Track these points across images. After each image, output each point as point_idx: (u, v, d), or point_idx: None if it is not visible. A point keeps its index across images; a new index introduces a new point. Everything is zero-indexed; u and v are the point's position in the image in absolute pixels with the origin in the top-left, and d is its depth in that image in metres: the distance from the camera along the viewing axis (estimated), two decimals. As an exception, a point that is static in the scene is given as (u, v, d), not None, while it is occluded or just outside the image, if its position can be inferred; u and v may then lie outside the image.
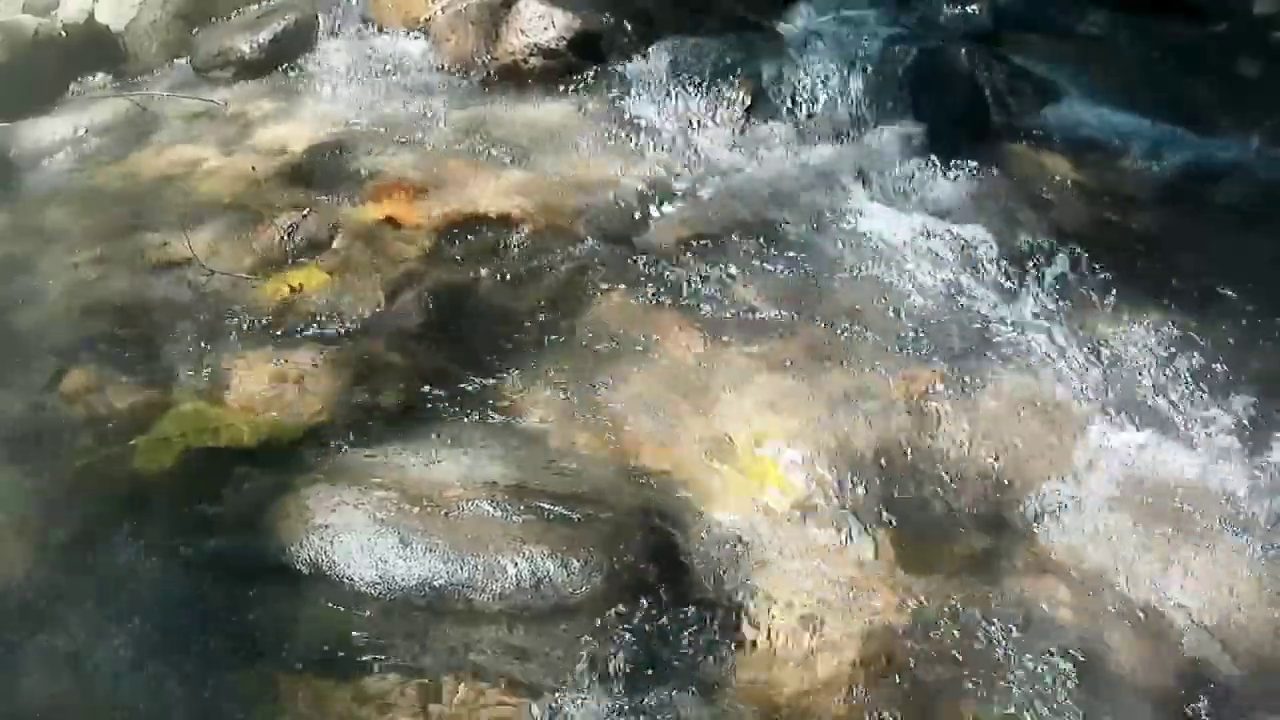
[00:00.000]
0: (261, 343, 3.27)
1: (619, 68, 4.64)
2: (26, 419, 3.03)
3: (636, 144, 4.25)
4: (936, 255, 3.66)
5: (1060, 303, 3.45)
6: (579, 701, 2.34)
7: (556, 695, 2.35)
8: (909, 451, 2.92)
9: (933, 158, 4.17)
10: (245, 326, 3.34)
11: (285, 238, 3.70)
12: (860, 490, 2.81)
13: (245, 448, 2.92)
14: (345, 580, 2.54)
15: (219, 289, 3.49)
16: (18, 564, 2.62)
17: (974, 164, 4.14)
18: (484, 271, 3.56)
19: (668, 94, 4.46)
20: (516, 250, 3.66)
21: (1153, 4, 5.45)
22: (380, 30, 5.06)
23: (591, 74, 4.64)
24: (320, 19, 5.09)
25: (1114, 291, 3.49)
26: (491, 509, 2.64)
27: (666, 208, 3.89)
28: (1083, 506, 2.79)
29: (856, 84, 4.38)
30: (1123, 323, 3.36)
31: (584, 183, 3.99)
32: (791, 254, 3.64)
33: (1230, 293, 3.49)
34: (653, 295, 3.46)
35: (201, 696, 2.37)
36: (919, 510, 2.79)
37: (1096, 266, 3.61)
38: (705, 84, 4.44)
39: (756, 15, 4.93)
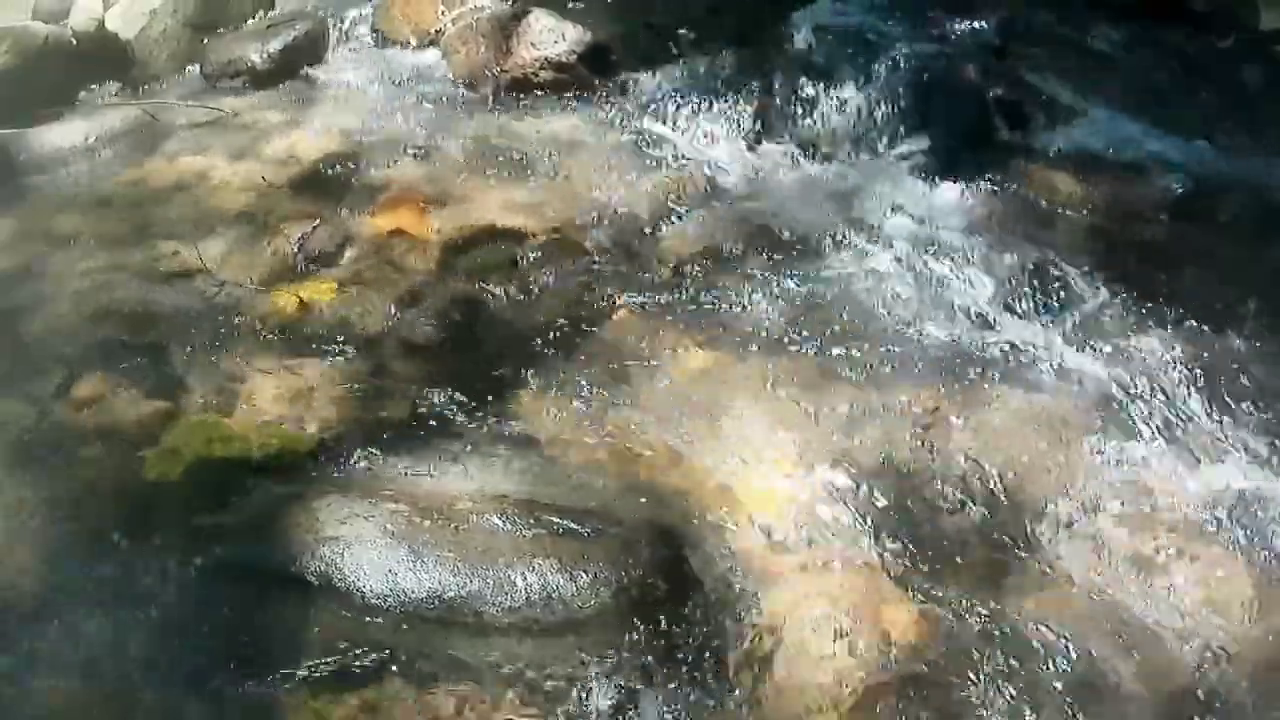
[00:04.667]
0: (271, 354, 3.28)
1: (629, 82, 4.66)
2: (36, 427, 3.03)
3: (646, 158, 4.26)
4: (943, 271, 3.66)
5: (1066, 318, 3.46)
6: (587, 715, 2.34)
7: (565, 709, 2.35)
8: (916, 468, 2.92)
9: (940, 173, 4.19)
10: (255, 337, 3.35)
11: (295, 249, 3.70)
12: (867, 506, 2.82)
13: (255, 459, 2.93)
14: (355, 592, 2.54)
15: (229, 299, 3.50)
16: (27, 572, 2.63)
17: (981, 179, 4.15)
18: (494, 285, 3.57)
19: (677, 108, 4.48)
20: (526, 264, 3.67)
21: (1160, 17, 5.45)
22: (390, 42, 5.07)
23: (602, 88, 4.65)
24: (330, 30, 5.11)
25: (1120, 307, 3.50)
26: (501, 522, 2.65)
27: (676, 222, 3.90)
28: (1089, 522, 2.79)
29: (864, 99, 4.40)
30: (1129, 338, 3.36)
31: (594, 197, 4.00)
32: (799, 270, 3.66)
33: (1237, 307, 3.49)
34: (662, 310, 3.47)
35: (210, 707, 2.37)
36: (926, 526, 2.79)
37: (1103, 282, 3.61)
38: (714, 98, 4.46)
39: (765, 30, 4.95)
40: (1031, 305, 3.51)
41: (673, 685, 2.41)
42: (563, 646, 2.47)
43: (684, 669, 2.43)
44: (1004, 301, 3.53)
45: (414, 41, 5.04)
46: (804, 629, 2.52)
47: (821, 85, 4.45)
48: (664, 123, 4.46)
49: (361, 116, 4.58)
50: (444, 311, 3.45)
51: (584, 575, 2.54)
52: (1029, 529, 2.79)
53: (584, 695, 2.38)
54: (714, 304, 3.51)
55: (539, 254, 3.70)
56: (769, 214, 3.95)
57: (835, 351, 3.29)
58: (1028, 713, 2.37)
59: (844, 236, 3.82)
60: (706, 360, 3.27)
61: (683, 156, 4.29)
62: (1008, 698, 2.40)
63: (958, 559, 2.71)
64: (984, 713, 2.38)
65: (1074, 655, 2.49)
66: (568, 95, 4.66)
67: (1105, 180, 4.22)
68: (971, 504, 2.84)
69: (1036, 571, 2.69)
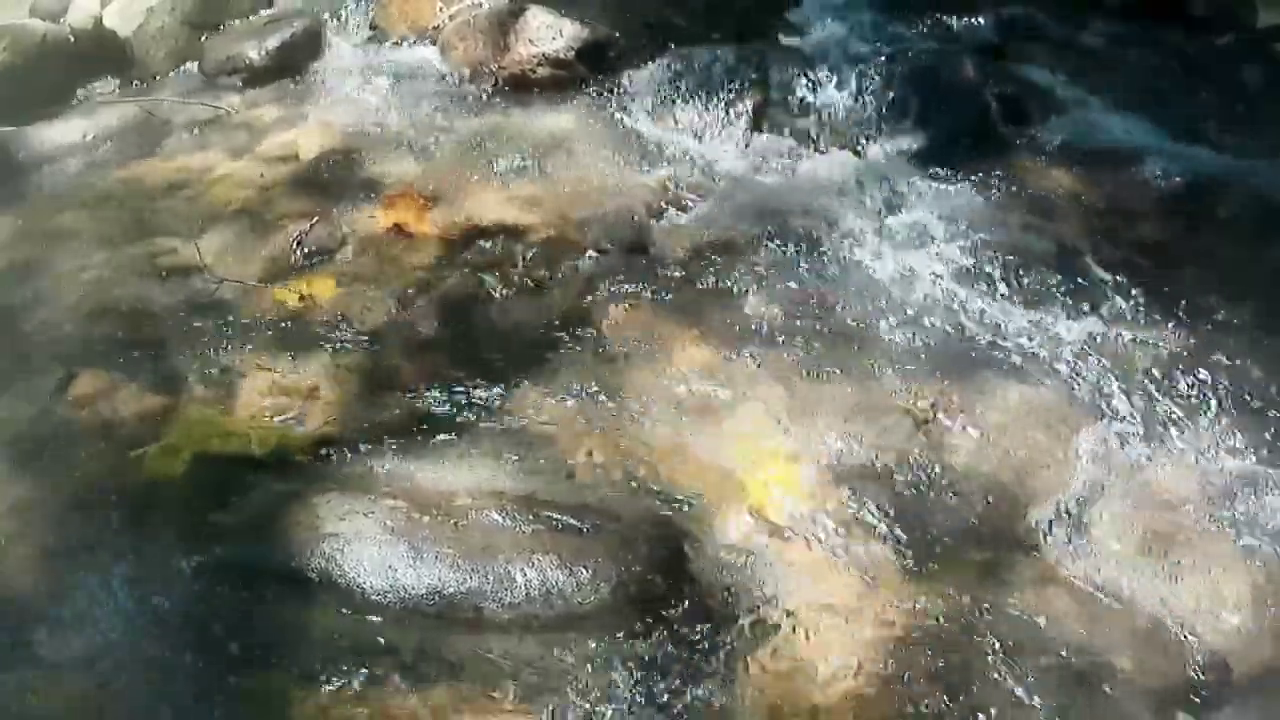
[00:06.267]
0: (270, 350, 3.28)
1: (627, 78, 4.64)
2: (35, 424, 3.03)
3: (644, 154, 4.26)
4: (941, 267, 3.66)
5: (1064, 315, 3.46)
6: (587, 712, 2.35)
7: (565, 705, 2.36)
8: (914, 464, 2.93)
9: (937, 168, 4.19)
10: (254, 334, 3.35)
11: (294, 245, 3.71)
12: (866, 502, 2.82)
13: (254, 456, 2.93)
14: (355, 588, 2.55)
15: (228, 296, 3.50)
16: (27, 570, 2.63)
17: (978, 175, 4.15)
18: (493, 281, 3.57)
19: (675, 104, 4.47)
20: (525, 260, 3.66)
21: (1157, 15, 5.46)
22: (388, 38, 5.07)
23: (599, 84, 4.64)
24: (328, 26, 5.10)
25: (1119, 303, 3.50)
26: (500, 518, 2.65)
27: (674, 218, 3.90)
28: (1087, 518, 2.80)
29: (862, 95, 4.40)
30: (1127, 335, 3.37)
31: (592, 192, 4.00)
32: (798, 265, 3.66)
33: (1234, 304, 3.50)
34: (661, 306, 3.47)
35: (210, 704, 2.37)
36: (924, 522, 2.79)
37: (1101, 279, 3.62)
38: (712, 94, 4.44)
39: (763, 26, 4.95)
40: (1030, 301, 3.51)
41: (672, 680, 2.41)
42: (562, 642, 2.47)
43: (683, 664, 2.44)
44: (1002, 297, 3.53)
45: (412, 38, 5.03)
46: (803, 623, 2.53)
47: (820, 80, 4.44)
48: (662, 118, 4.45)
49: (359, 113, 4.57)
50: (442, 307, 3.45)
51: (583, 571, 2.55)
52: (1027, 524, 2.80)
53: (584, 691, 2.38)
54: (712, 299, 3.51)
55: (537, 250, 3.70)
56: (767, 209, 3.95)
57: (834, 346, 3.30)
58: (1025, 707, 2.38)
59: (842, 231, 3.82)
60: (705, 355, 3.27)
61: (681, 152, 4.28)
62: (1005, 693, 2.40)
63: (956, 553, 2.72)
64: (982, 707, 2.38)
65: (1072, 650, 2.50)
66: (565, 91, 4.64)
67: (1104, 177, 4.22)
68: (970, 498, 2.85)
69: (1034, 566, 2.71)
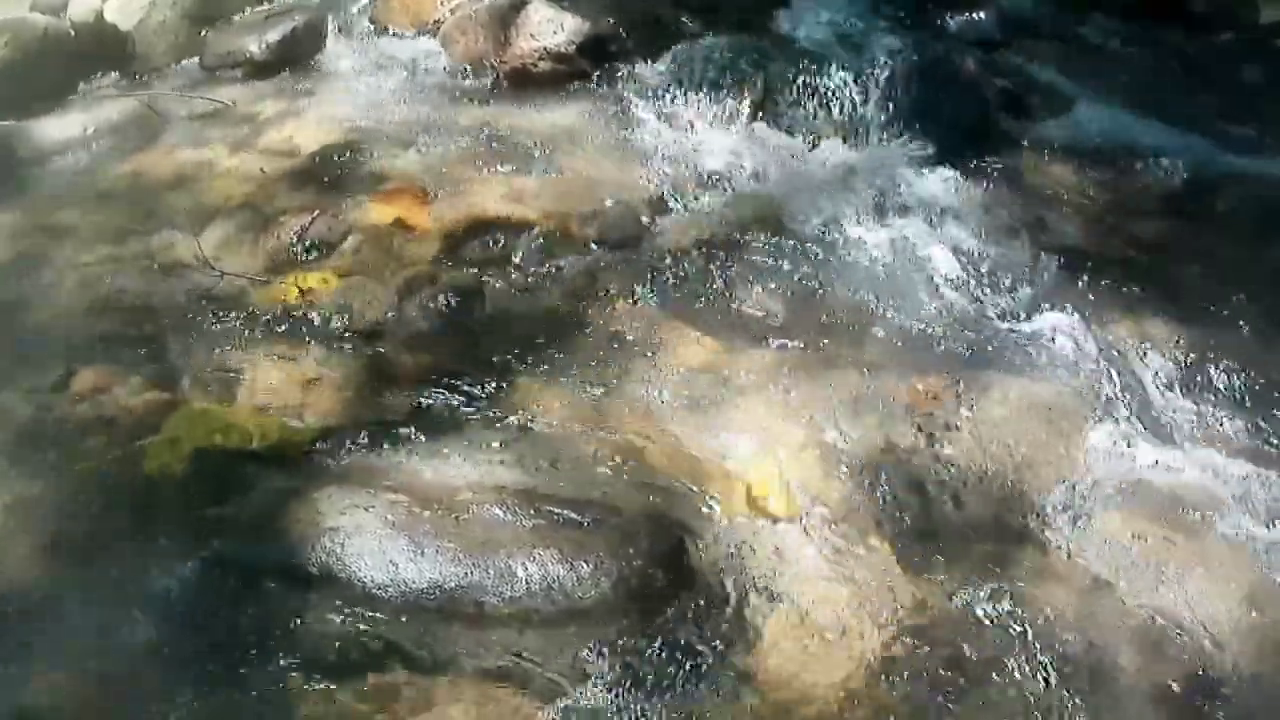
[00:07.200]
0: (271, 344, 3.28)
1: (628, 72, 4.65)
2: (36, 419, 3.03)
3: (645, 148, 4.25)
4: (941, 262, 3.67)
5: (1066, 310, 3.46)
6: (588, 705, 2.35)
7: (566, 699, 2.36)
8: (915, 457, 2.93)
9: (938, 164, 4.19)
10: (255, 328, 3.34)
11: (295, 239, 3.71)
12: (867, 495, 2.82)
13: (255, 450, 2.93)
14: (355, 583, 2.55)
15: (228, 290, 3.50)
16: (27, 566, 2.63)
17: (979, 171, 4.16)
18: (493, 275, 3.57)
19: (676, 98, 4.46)
20: (526, 254, 3.67)
21: (1158, 12, 5.47)
22: (389, 32, 5.06)
23: (600, 78, 4.64)
24: (329, 20, 5.09)
25: (1119, 299, 3.51)
26: (501, 513, 2.66)
27: (675, 212, 3.90)
28: (1088, 513, 2.81)
29: (863, 90, 4.39)
30: (1128, 330, 3.37)
31: (593, 187, 3.99)
32: (799, 259, 3.65)
33: (1235, 301, 3.51)
34: (661, 299, 3.48)
35: (211, 699, 2.37)
36: (925, 516, 2.80)
37: (1102, 274, 3.62)
38: (713, 89, 4.44)
39: (764, 21, 4.95)
40: (1030, 296, 3.52)
41: (673, 674, 2.42)
42: (563, 637, 2.48)
43: (684, 658, 2.44)
44: (1003, 291, 3.54)
45: (413, 31, 5.03)
46: (803, 617, 2.54)
47: (821, 75, 4.43)
48: (663, 113, 4.44)
49: (360, 107, 4.57)
50: (443, 302, 3.44)
51: (584, 565, 2.56)
52: (1028, 518, 2.81)
53: (585, 685, 2.38)
54: (713, 293, 3.51)
55: (538, 244, 3.70)
56: (768, 203, 3.95)
57: (835, 340, 3.31)
58: (1025, 700, 2.39)
59: (844, 226, 3.82)
60: (706, 349, 3.27)
61: (682, 146, 4.28)
62: (1005, 688, 2.41)
63: (957, 547, 2.73)
64: (982, 703, 2.39)
65: (1071, 643, 2.50)
66: (566, 86, 4.65)
67: (1104, 173, 4.24)
68: (971, 493, 2.85)
69: (1035, 560, 2.71)
